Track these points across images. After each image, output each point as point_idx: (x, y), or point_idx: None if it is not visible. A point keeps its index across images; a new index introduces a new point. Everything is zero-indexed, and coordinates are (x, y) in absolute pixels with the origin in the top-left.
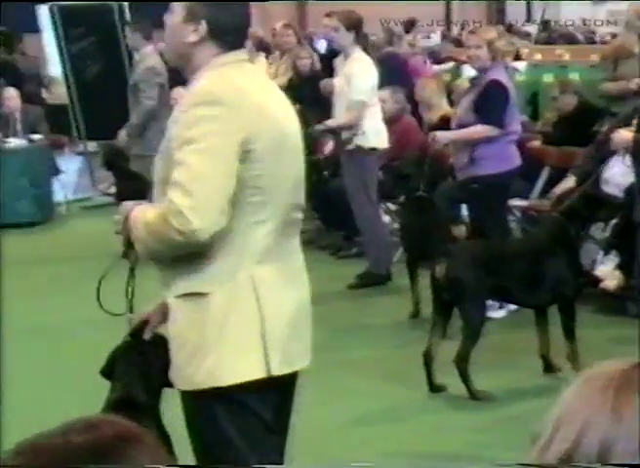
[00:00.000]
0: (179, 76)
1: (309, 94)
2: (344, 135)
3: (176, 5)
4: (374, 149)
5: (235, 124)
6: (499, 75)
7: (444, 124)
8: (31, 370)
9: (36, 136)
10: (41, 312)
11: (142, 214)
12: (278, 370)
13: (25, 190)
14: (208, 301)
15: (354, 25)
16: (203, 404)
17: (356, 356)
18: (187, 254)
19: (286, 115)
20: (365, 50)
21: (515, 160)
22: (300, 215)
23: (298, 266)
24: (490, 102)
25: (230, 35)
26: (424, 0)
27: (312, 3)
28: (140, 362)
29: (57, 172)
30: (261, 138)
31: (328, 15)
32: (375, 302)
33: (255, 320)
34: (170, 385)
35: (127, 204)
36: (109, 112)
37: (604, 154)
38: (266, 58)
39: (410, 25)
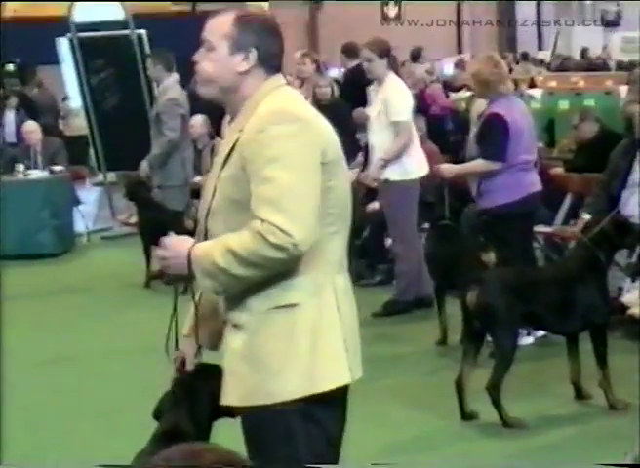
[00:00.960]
0: (197, 106)
1: (329, 122)
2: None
3: (212, 41)
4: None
5: (312, 138)
6: (499, 108)
7: None
8: (53, 400)
9: (57, 168)
10: (62, 343)
11: (216, 246)
12: (356, 374)
13: (46, 221)
14: (297, 312)
15: (386, 52)
16: (276, 418)
17: (385, 384)
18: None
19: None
20: (396, 73)
21: (528, 188)
22: None
23: (349, 277)
24: (488, 137)
25: (275, 59)
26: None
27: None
28: (187, 394)
29: (77, 202)
30: (331, 152)
31: (348, 49)
32: (399, 330)
33: (337, 327)
34: (221, 416)
35: (172, 240)
36: (129, 143)
37: (611, 191)
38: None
39: (417, 54)
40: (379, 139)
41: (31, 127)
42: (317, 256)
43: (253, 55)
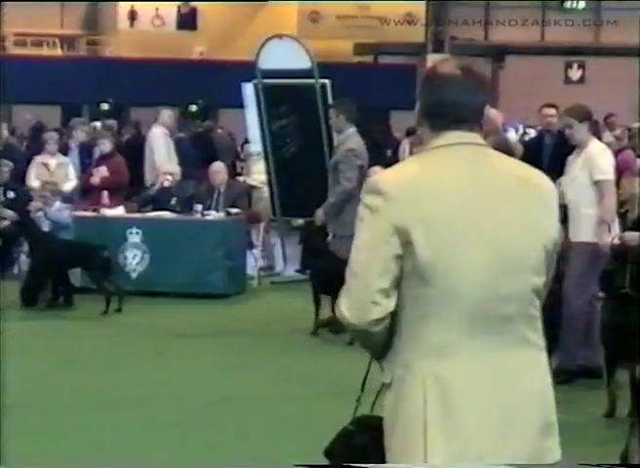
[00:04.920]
0: (377, 156)
1: None
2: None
3: None
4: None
5: (390, 215)
6: None
7: None
8: (218, 440)
9: (233, 210)
10: (227, 383)
11: None
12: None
13: (220, 262)
14: (388, 391)
15: (585, 117)
16: None
17: None
18: None
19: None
20: (599, 138)
21: None
22: None
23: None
24: None
25: (435, 113)
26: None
27: None
28: (358, 446)
29: (250, 246)
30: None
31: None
32: (565, 399)
33: (419, 413)
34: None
35: None
36: (305, 190)
37: None
38: None
39: (609, 119)
40: (576, 199)
41: (218, 167)
42: (407, 338)
43: (417, 106)
